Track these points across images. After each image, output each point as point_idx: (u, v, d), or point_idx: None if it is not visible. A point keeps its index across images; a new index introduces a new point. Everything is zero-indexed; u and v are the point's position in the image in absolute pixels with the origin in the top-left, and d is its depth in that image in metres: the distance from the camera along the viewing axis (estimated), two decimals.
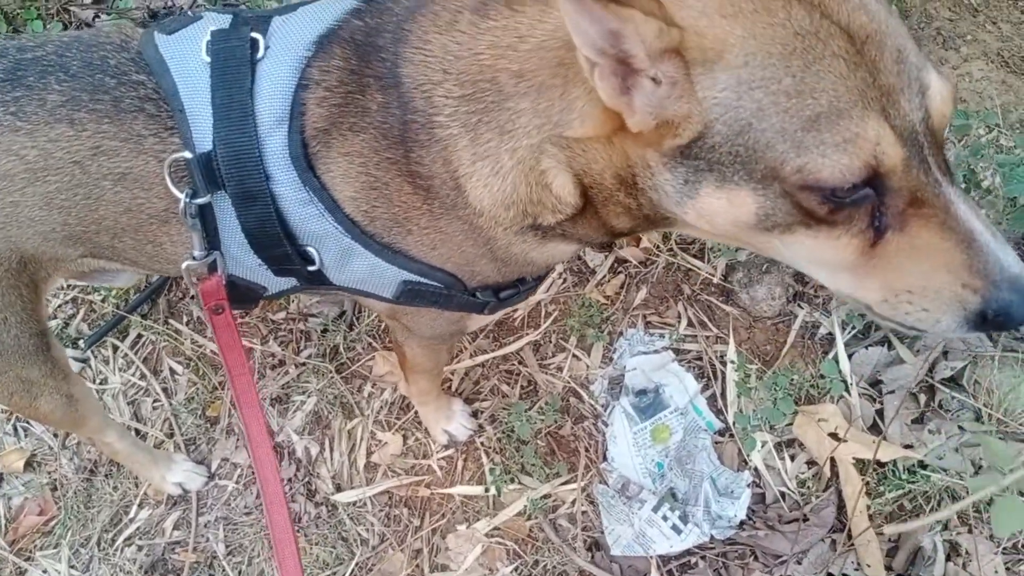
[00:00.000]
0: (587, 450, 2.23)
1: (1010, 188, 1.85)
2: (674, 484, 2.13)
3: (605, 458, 2.21)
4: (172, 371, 2.44)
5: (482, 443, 2.26)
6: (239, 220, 1.26)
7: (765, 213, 0.99)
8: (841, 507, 2.06)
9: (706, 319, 2.38)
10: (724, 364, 2.29)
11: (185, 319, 2.50)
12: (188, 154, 1.21)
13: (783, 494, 2.11)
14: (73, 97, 1.24)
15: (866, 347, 2.24)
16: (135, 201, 1.29)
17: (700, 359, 2.32)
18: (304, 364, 2.40)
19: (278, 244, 1.28)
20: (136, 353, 2.47)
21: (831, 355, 2.26)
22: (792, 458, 2.16)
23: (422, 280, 1.34)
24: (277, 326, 2.47)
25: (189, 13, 1.32)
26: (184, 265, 1.30)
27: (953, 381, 2.17)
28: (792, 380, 2.20)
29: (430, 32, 1.20)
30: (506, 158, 1.17)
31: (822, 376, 2.22)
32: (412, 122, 1.20)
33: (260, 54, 1.24)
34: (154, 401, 2.41)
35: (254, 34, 1.24)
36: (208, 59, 1.23)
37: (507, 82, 1.14)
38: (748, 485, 2.10)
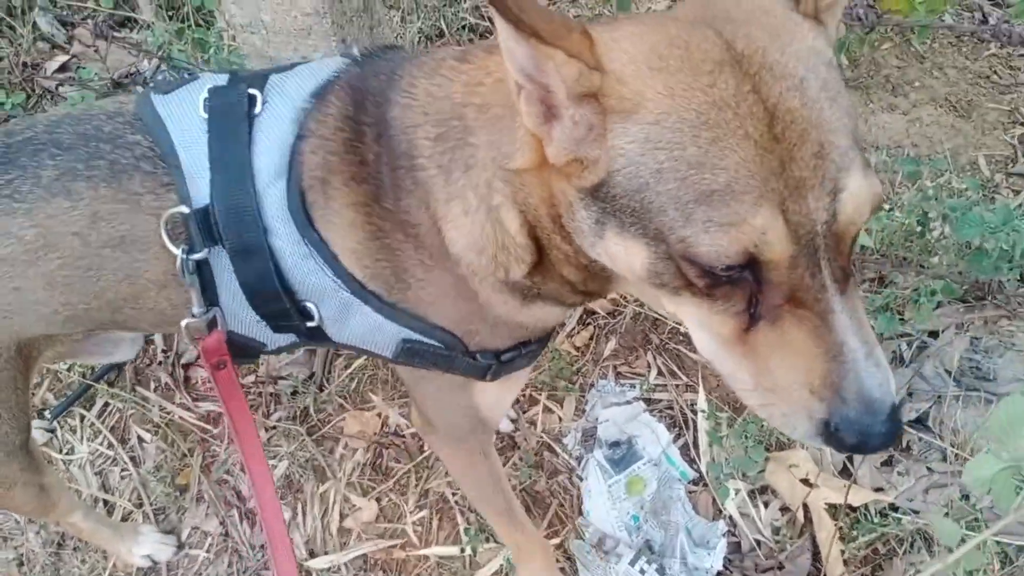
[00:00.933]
0: (562, 505, 2.22)
1: (961, 233, 1.89)
2: (650, 536, 2.12)
3: (581, 512, 2.20)
4: (140, 439, 2.41)
5: (456, 502, 2.24)
6: (237, 275, 1.25)
7: (655, 271, 0.98)
8: (816, 553, 2.06)
9: (675, 368, 2.40)
10: (695, 413, 2.30)
11: (153, 386, 2.48)
12: (184, 208, 1.20)
13: (758, 542, 2.11)
14: (68, 169, 1.23)
15: None
16: (134, 265, 1.27)
17: (671, 408, 2.34)
18: (275, 427, 2.38)
19: (276, 299, 1.26)
20: (103, 422, 2.44)
21: None
22: (766, 505, 2.17)
23: (421, 339, 1.31)
24: (247, 389, 2.45)
25: (185, 75, 1.33)
26: (183, 323, 1.28)
27: (919, 422, 2.19)
28: (762, 427, 2.22)
29: (417, 78, 1.22)
30: (471, 196, 1.17)
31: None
32: (399, 167, 1.20)
33: (258, 109, 1.24)
34: (122, 470, 2.37)
35: (252, 90, 1.25)
36: (205, 115, 1.23)
37: (471, 116, 1.15)
38: (723, 534, 2.10)
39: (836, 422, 0.93)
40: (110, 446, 2.40)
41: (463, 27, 3.10)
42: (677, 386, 2.36)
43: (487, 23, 3.14)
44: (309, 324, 1.31)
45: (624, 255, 1.00)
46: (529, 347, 1.40)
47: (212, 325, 1.30)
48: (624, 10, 2.89)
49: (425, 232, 1.22)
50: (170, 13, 3.05)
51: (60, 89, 2.93)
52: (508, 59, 0.94)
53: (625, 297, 2.44)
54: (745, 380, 1.00)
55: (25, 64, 2.97)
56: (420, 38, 3.01)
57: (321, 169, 1.21)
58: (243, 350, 1.40)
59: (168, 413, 2.43)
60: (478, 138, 1.14)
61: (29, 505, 1.67)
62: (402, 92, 1.21)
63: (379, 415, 2.38)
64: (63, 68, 3.08)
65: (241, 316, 1.32)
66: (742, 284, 0.94)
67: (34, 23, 3.12)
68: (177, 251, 1.21)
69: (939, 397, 2.19)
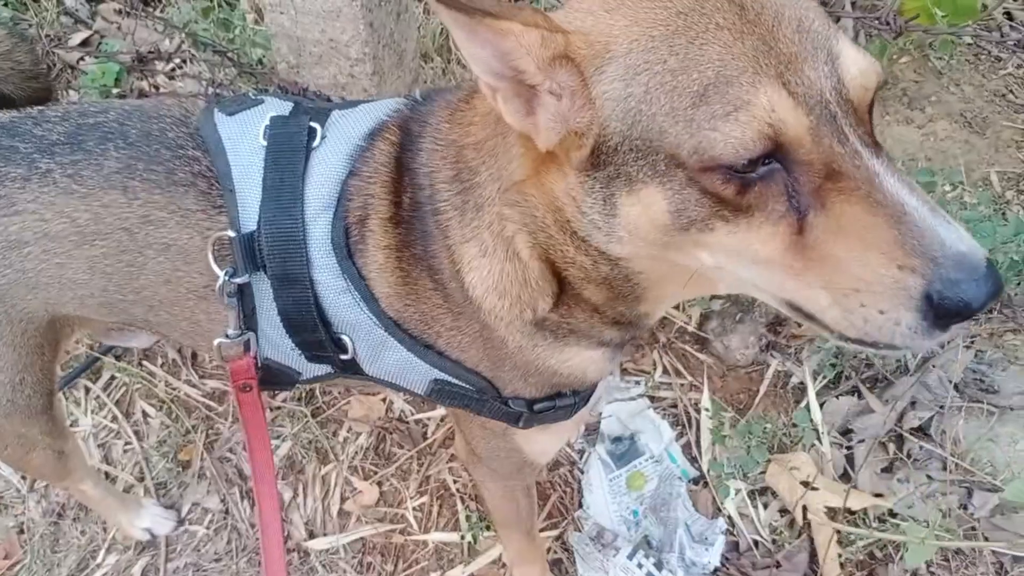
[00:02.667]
0: (562, 497, 2.23)
1: None
2: (649, 531, 2.13)
3: (580, 505, 2.21)
4: (145, 414, 2.42)
5: (458, 489, 2.25)
6: (276, 302, 1.26)
7: (676, 208, 0.92)
8: (813, 555, 2.07)
9: (681, 367, 2.41)
10: (699, 412, 2.32)
11: (160, 361, 2.49)
12: (232, 233, 1.22)
13: (756, 542, 2.12)
14: (129, 165, 1.25)
15: (836, 396, 2.28)
16: (175, 273, 1.29)
17: (675, 406, 2.35)
18: (279, 408, 2.39)
19: (313, 329, 1.27)
20: (109, 395, 2.45)
21: (803, 404, 2.29)
22: (765, 506, 2.18)
23: (453, 381, 1.30)
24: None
25: (251, 95, 1.35)
26: (216, 342, 1.30)
27: (921, 431, 2.20)
28: (765, 428, 2.23)
29: (441, 122, 1.23)
30: (486, 235, 1.16)
31: (794, 425, 2.25)
32: (425, 213, 1.20)
33: (316, 142, 1.26)
34: (125, 444, 2.38)
35: (313, 123, 1.27)
36: (264, 143, 1.25)
37: (472, 156, 1.16)
38: (722, 532, 2.11)
39: (938, 288, 0.83)
40: (114, 419, 2.41)
41: None
42: (682, 385, 2.37)
43: None
44: (343, 356, 1.31)
45: (644, 212, 0.95)
46: (565, 399, 1.34)
47: (245, 348, 1.31)
48: None
49: (448, 279, 1.21)
50: None
51: (81, 63, 2.94)
52: (474, 66, 0.93)
53: None
54: (821, 298, 0.90)
55: (48, 36, 2.99)
56: (442, 29, 3.03)
57: (362, 208, 1.23)
58: (278, 377, 1.41)
59: (174, 389, 2.44)
60: (481, 175, 1.15)
61: (46, 468, 1.69)
62: (429, 137, 1.23)
63: (384, 400, 2.39)
64: (85, 43, 3.09)
65: (278, 343, 1.33)
66: (774, 178, 0.88)
67: None
68: (221, 273, 1.23)
69: (942, 407, 2.20)
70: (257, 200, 1.22)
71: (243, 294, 1.27)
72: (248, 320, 1.30)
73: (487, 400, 1.32)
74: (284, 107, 1.31)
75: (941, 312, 0.84)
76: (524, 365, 1.27)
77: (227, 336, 1.29)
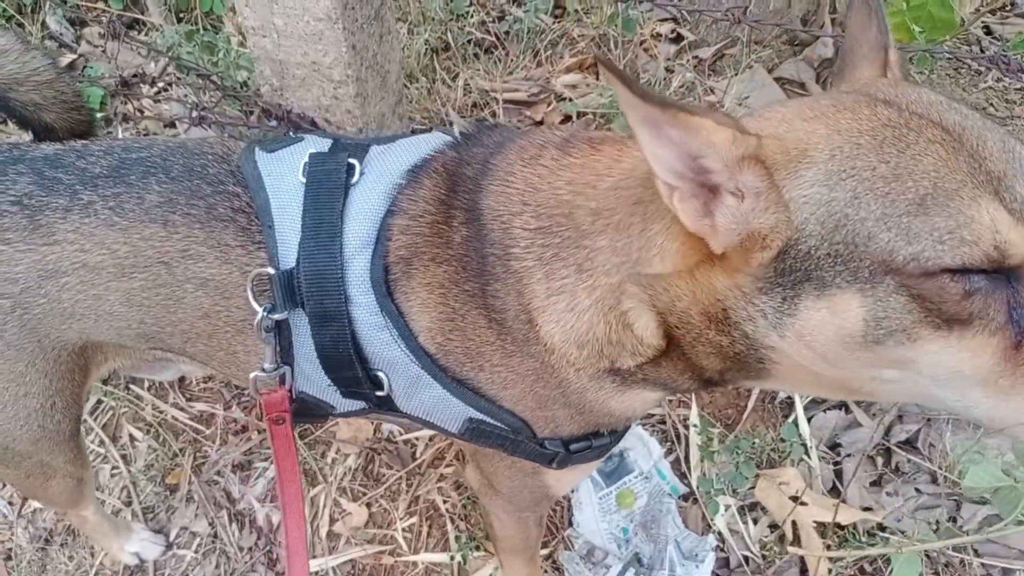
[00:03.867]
0: (552, 516, 2.23)
1: None
2: (639, 549, 2.13)
3: (570, 524, 2.20)
4: (132, 438, 2.41)
5: (447, 510, 2.25)
6: (314, 339, 1.25)
7: (875, 317, 0.88)
8: (804, 570, 2.07)
9: None
10: (687, 428, 2.32)
11: (147, 384, 2.48)
12: (271, 270, 1.22)
13: (747, 558, 2.12)
14: (170, 199, 1.26)
15: (824, 411, 2.28)
16: (214, 308, 1.30)
17: (663, 423, 2.35)
18: (267, 429, 2.37)
19: (350, 366, 1.26)
20: (95, 419, 2.43)
21: (791, 419, 2.30)
22: (755, 522, 2.18)
23: (488, 420, 1.29)
24: (240, 391, 2.45)
25: (291, 134, 1.37)
26: (252, 376, 1.30)
27: (909, 444, 2.21)
28: (753, 444, 2.23)
29: (515, 164, 1.22)
30: (583, 295, 1.13)
31: (782, 439, 2.25)
32: (490, 254, 1.19)
33: (355, 179, 1.26)
34: (112, 468, 2.37)
35: (351, 160, 1.27)
36: (304, 180, 1.25)
37: (584, 219, 1.13)
38: (712, 549, 2.11)
39: None
40: (101, 443, 2.40)
41: (469, 41, 3.13)
42: (670, 401, 2.37)
43: (492, 38, 3.18)
44: (379, 393, 1.31)
45: (830, 319, 0.91)
46: (601, 439, 1.33)
47: (280, 381, 1.31)
48: (629, 31, 2.94)
49: (512, 319, 1.19)
50: (179, 16, 3.08)
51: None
52: (656, 166, 0.92)
53: None
54: None
55: None
56: (426, 50, 3.04)
57: (405, 247, 1.22)
58: (312, 410, 1.41)
59: (161, 412, 2.43)
60: (595, 242, 1.11)
61: (63, 496, 1.68)
62: (499, 179, 1.21)
63: (372, 421, 2.38)
64: (71, 67, 3.09)
65: (313, 378, 1.32)
66: (997, 288, 0.86)
67: (43, 22, 3.15)
68: (260, 309, 1.23)
69: (929, 420, 2.21)
70: (296, 237, 1.22)
71: (280, 329, 1.27)
72: (285, 354, 1.29)
73: (521, 441, 1.30)
74: (323, 144, 1.32)
75: None
76: (578, 405, 1.25)
77: (263, 370, 1.29)
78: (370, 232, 1.22)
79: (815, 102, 0.96)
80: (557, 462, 1.33)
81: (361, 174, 1.26)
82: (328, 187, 1.24)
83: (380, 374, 1.28)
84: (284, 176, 1.27)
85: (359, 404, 1.38)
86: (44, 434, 1.44)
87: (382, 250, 1.22)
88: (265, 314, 1.23)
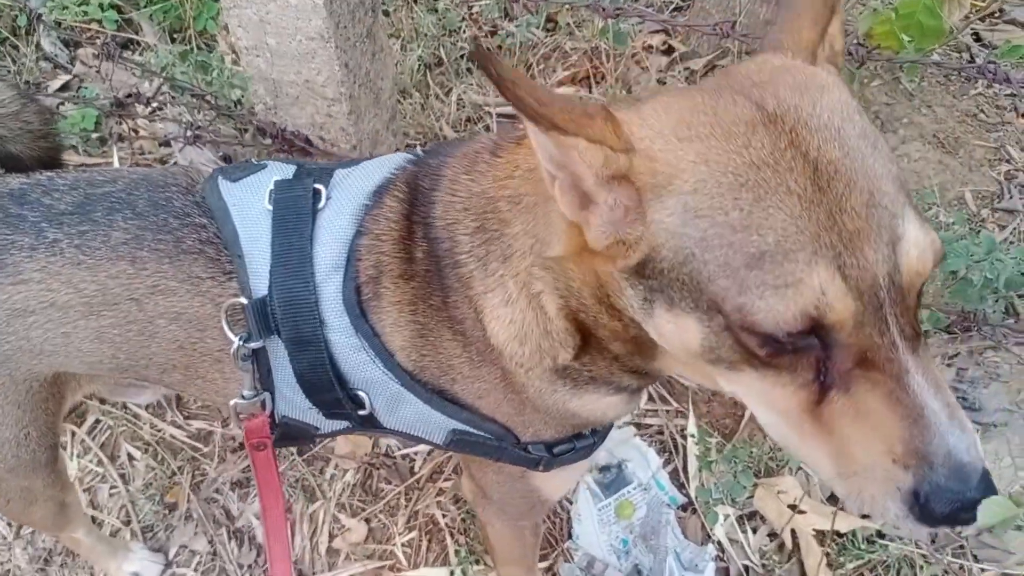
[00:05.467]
0: (551, 528, 2.23)
1: (947, 263, 1.93)
2: (639, 560, 2.13)
3: (570, 536, 2.20)
4: (130, 456, 2.41)
5: (447, 524, 2.24)
6: (292, 364, 1.26)
7: (709, 345, 0.93)
8: None
9: (666, 393, 2.42)
10: (685, 438, 2.32)
11: (144, 403, 2.47)
12: (244, 300, 1.22)
13: (747, 567, 2.12)
14: (137, 236, 1.26)
15: None
16: (189, 340, 1.30)
17: (661, 433, 2.35)
18: (249, 456, 2.37)
19: (330, 389, 1.27)
20: (93, 439, 2.43)
21: None
22: (754, 531, 2.18)
23: (471, 430, 1.31)
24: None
25: (253, 161, 1.37)
26: (232, 403, 1.30)
27: None
28: (751, 453, 2.24)
29: (458, 173, 1.24)
30: (511, 285, 1.16)
31: (780, 448, 2.26)
32: (444, 265, 1.21)
33: (322, 204, 1.26)
34: (111, 488, 2.36)
35: (317, 185, 1.27)
36: (270, 207, 1.26)
37: (504, 208, 1.16)
38: (712, 559, 2.11)
39: (925, 491, 0.86)
40: (100, 463, 2.40)
41: (461, 56, 3.15)
42: (668, 411, 2.38)
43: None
44: (361, 412, 1.32)
45: (676, 332, 0.96)
46: (584, 440, 1.36)
47: (261, 406, 1.32)
48: (620, 44, 2.96)
49: (470, 327, 1.22)
50: (173, 36, 3.10)
51: (61, 108, 2.95)
52: (538, 151, 0.94)
53: None
54: (825, 466, 0.93)
55: (27, 83, 3.01)
56: (420, 65, 3.06)
57: (374, 266, 1.23)
58: (297, 433, 1.41)
59: (159, 431, 2.43)
60: (513, 228, 1.15)
61: (47, 521, 1.69)
62: (445, 190, 1.23)
63: (370, 436, 2.38)
64: (65, 87, 3.11)
65: (295, 402, 1.33)
66: (807, 351, 0.89)
67: (37, 43, 3.16)
68: (235, 339, 1.23)
69: None
70: (267, 265, 1.23)
71: (258, 356, 1.27)
72: (264, 380, 1.30)
73: (506, 447, 1.32)
74: (287, 171, 1.32)
75: (926, 513, 0.88)
76: (544, 408, 1.28)
77: (243, 397, 1.29)
78: (340, 255, 1.23)
79: (694, 115, 0.93)
80: (543, 465, 1.35)
81: (328, 198, 1.27)
82: (295, 213, 1.24)
83: (360, 393, 1.29)
84: (250, 204, 1.27)
85: (343, 424, 1.38)
86: (19, 463, 1.45)
87: (353, 271, 1.23)
88: (241, 343, 1.23)
